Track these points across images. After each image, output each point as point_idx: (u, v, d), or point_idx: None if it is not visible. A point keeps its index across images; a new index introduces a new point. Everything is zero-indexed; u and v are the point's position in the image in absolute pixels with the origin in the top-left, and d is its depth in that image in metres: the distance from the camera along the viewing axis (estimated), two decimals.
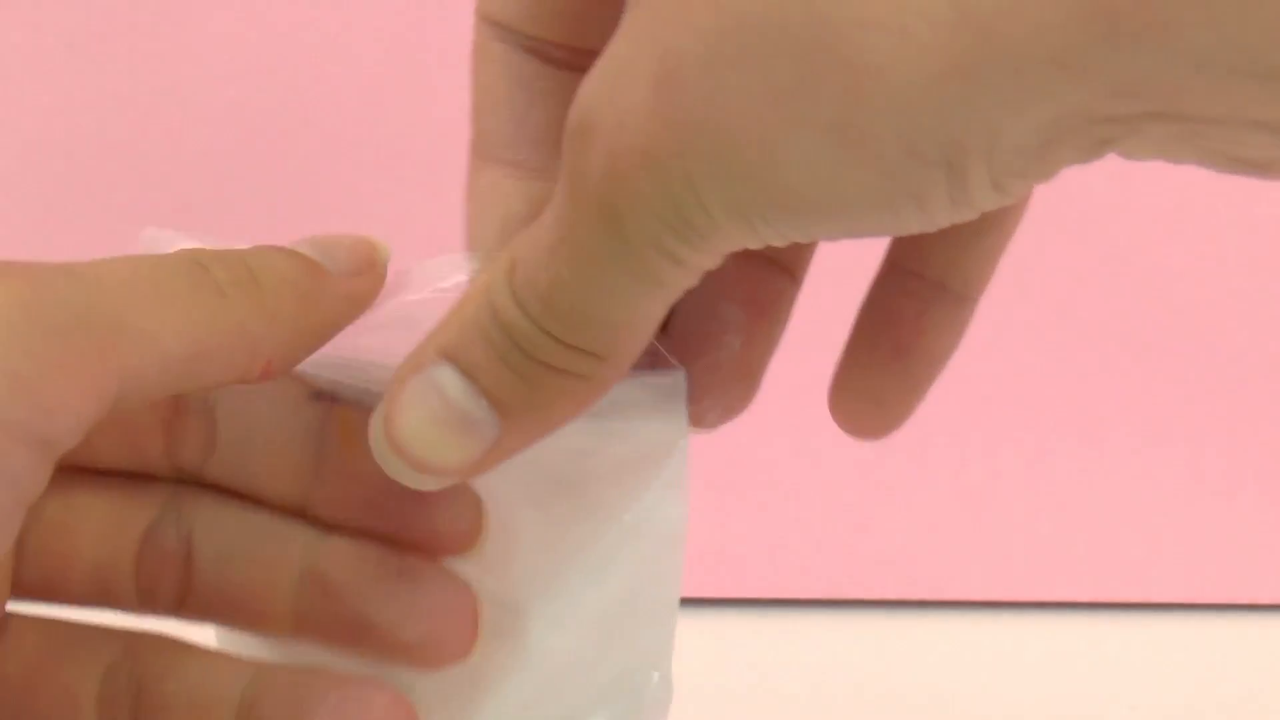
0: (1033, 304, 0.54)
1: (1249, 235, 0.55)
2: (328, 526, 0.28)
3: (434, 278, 0.26)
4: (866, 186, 0.20)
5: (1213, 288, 0.56)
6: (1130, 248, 0.55)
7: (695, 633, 0.28)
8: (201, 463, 0.28)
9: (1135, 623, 0.57)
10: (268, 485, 0.28)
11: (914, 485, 0.56)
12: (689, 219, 0.21)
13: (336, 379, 0.27)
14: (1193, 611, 0.57)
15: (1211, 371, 0.56)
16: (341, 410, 0.27)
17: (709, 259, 0.22)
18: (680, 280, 0.22)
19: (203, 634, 0.28)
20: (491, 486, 0.27)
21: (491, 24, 0.27)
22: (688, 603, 0.28)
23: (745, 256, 0.27)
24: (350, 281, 0.25)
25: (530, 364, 0.23)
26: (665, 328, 0.27)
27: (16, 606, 0.27)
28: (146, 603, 0.27)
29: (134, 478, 0.28)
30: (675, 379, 0.27)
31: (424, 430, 0.24)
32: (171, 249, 0.26)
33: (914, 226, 0.21)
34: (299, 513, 0.28)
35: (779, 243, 0.22)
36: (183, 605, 0.27)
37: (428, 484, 0.24)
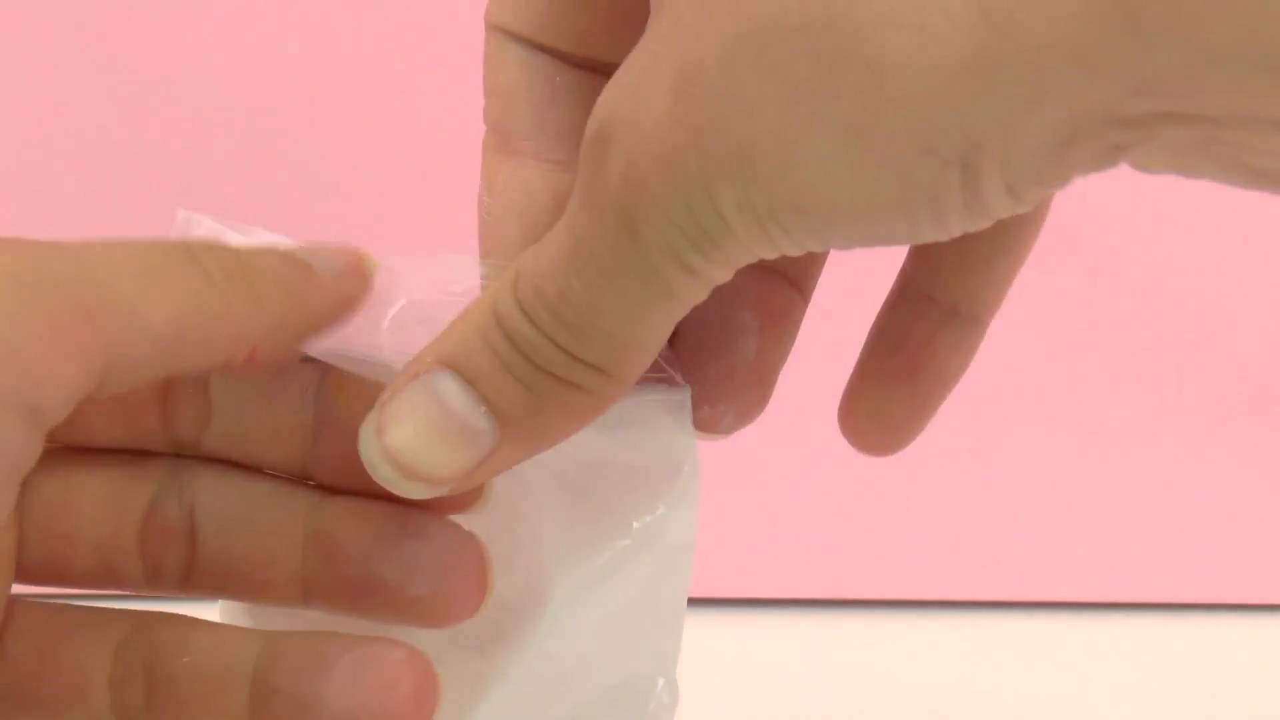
0: (1033, 304, 0.54)
1: (1247, 235, 0.55)
2: (330, 490, 0.28)
3: (445, 279, 0.26)
4: (882, 188, 0.20)
5: (1212, 287, 0.56)
6: (1130, 248, 0.55)
7: (695, 632, 0.28)
8: (199, 435, 0.27)
9: (1135, 623, 0.57)
10: (267, 453, 0.28)
11: (914, 485, 0.56)
12: (704, 225, 0.21)
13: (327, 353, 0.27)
14: (1193, 611, 0.57)
15: (1211, 371, 0.56)
16: (336, 372, 0.27)
17: (721, 270, 0.22)
18: (690, 293, 0.22)
19: (211, 613, 0.28)
20: (498, 490, 0.27)
21: (504, 32, 0.27)
22: (688, 602, 0.28)
23: (756, 271, 0.27)
24: (337, 282, 0.25)
25: (534, 373, 0.23)
26: (671, 342, 0.27)
27: (22, 591, 0.26)
28: (152, 580, 0.27)
29: (132, 455, 0.27)
30: (681, 396, 0.27)
31: (417, 436, 0.24)
32: (201, 232, 0.27)
33: (928, 233, 0.21)
34: (300, 478, 0.28)
35: (793, 251, 0.22)
36: (189, 580, 0.27)
37: (417, 492, 0.24)
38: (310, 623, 0.28)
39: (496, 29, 0.27)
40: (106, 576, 0.27)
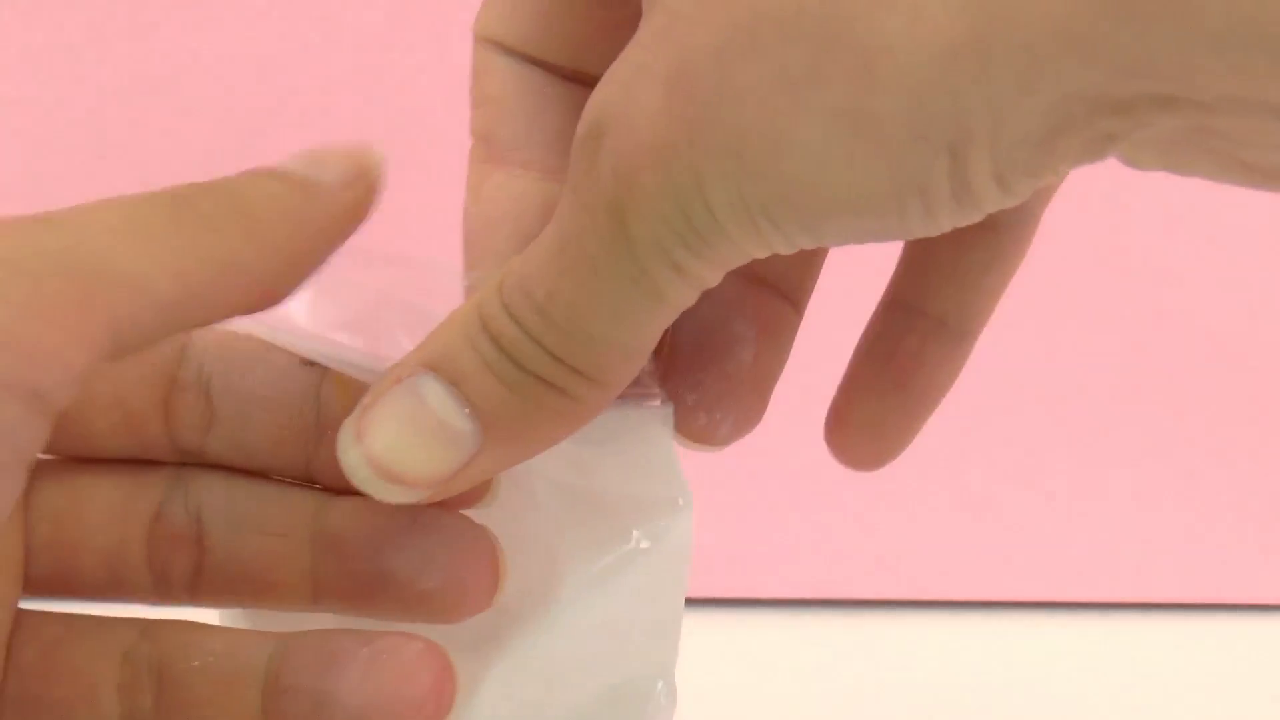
0: (1033, 305, 0.54)
1: (1247, 235, 0.55)
2: (335, 490, 0.27)
3: (435, 287, 0.26)
4: (872, 176, 0.20)
5: (1212, 287, 0.56)
6: (1129, 247, 0.55)
7: (695, 632, 0.28)
8: (202, 441, 0.27)
9: (1135, 623, 0.56)
10: (271, 455, 0.27)
11: (914, 486, 0.56)
12: (694, 220, 0.21)
13: (326, 358, 0.27)
14: (1193, 611, 0.57)
15: (1211, 371, 0.56)
16: (337, 373, 0.27)
17: (711, 271, 0.22)
18: (679, 295, 0.22)
19: (221, 621, 0.28)
20: (496, 491, 0.27)
21: (492, 43, 0.27)
22: (687, 602, 0.28)
23: (750, 283, 0.27)
24: (342, 194, 0.24)
25: (519, 375, 0.23)
26: (662, 351, 0.27)
27: (30, 605, 0.26)
28: (161, 588, 0.27)
29: (136, 464, 0.27)
30: (665, 411, 0.27)
31: (397, 437, 0.23)
32: None
33: (918, 226, 0.21)
34: (305, 479, 0.28)
35: (784, 249, 0.21)
36: (198, 587, 0.27)
37: (395, 495, 0.24)
38: (324, 624, 0.27)
39: (485, 41, 0.27)
40: (115, 586, 0.27)
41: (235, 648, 0.26)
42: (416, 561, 0.26)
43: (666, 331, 0.27)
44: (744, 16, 0.20)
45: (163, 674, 0.26)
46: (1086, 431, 0.56)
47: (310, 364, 0.27)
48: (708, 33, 0.20)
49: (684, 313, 0.27)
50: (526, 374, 0.23)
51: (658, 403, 0.27)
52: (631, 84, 0.21)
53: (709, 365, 0.27)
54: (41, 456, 0.22)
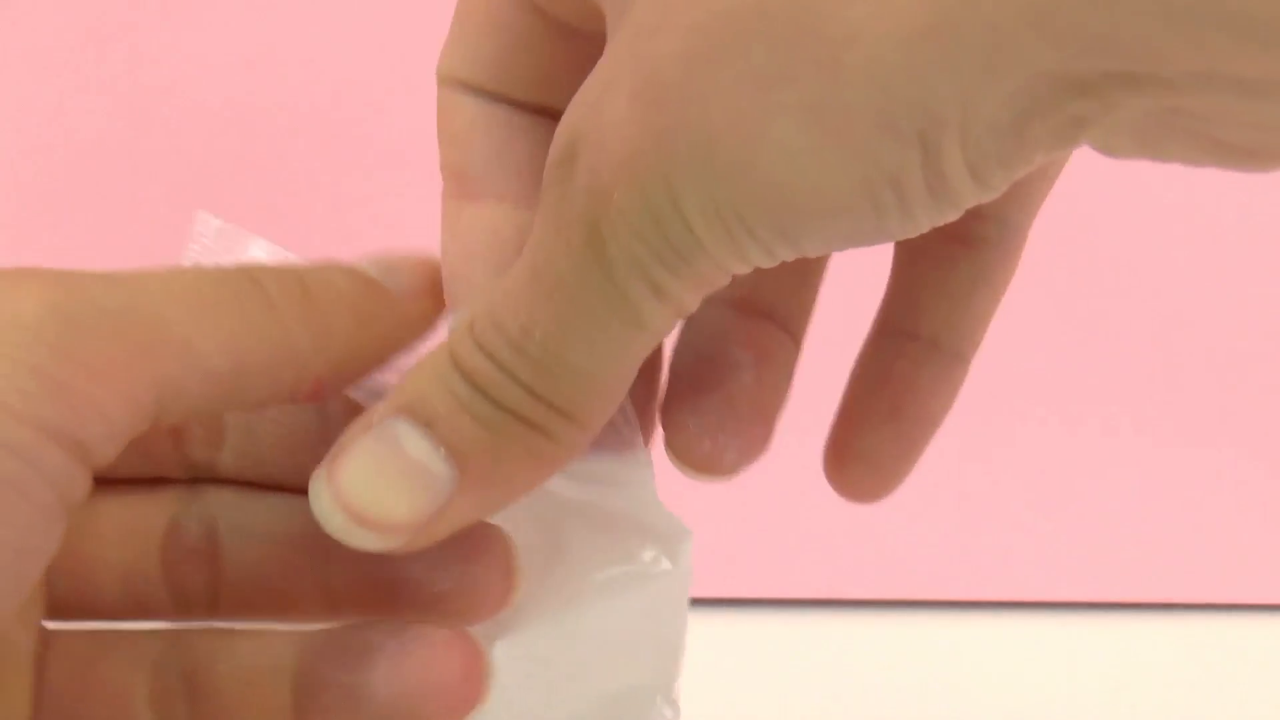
0: (1033, 305, 0.54)
1: (1246, 234, 0.55)
2: None
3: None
4: (844, 171, 0.20)
5: (1212, 288, 0.56)
6: (1130, 247, 0.55)
7: (696, 632, 0.28)
8: (213, 457, 0.27)
9: (1135, 623, 0.57)
10: (282, 469, 0.27)
11: (914, 486, 0.56)
12: (670, 235, 0.21)
13: None
14: (1193, 611, 0.57)
15: (1211, 371, 0.56)
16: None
17: (689, 291, 0.22)
18: (658, 319, 0.22)
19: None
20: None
21: (456, 83, 0.26)
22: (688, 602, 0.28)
23: (746, 314, 0.27)
24: (411, 303, 0.24)
25: (495, 412, 0.22)
26: (644, 390, 0.27)
27: (52, 627, 0.26)
28: (180, 605, 0.27)
29: (148, 482, 0.27)
30: (646, 456, 0.26)
31: (371, 480, 0.23)
32: (214, 232, 0.26)
33: (895, 224, 0.20)
34: None
35: (764, 260, 0.21)
36: (216, 603, 0.27)
37: (371, 542, 0.23)
38: None
39: (448, 81, 0.27)
40: (134, 606, 0.27)
41: (263, 649, 0.26)
42: (429, 564, 0.26)
43: (656, 367, 0.27)
44: (706, 19, 0.20)
45: (194, 681, 0.26)
46: (1087, 431, 0.56)
47: None
48: (672, 40, 0.20)
49: (681, 344, 0.27)
50: (502, 411, 0.22)
51: (639, 453, 0.26)
52: (600, 102, 0.21)
53: (709, 391, 0.26)
54: None
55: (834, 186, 0.20)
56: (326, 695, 0.25)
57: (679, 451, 0.26)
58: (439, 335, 0.26)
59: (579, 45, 0.25)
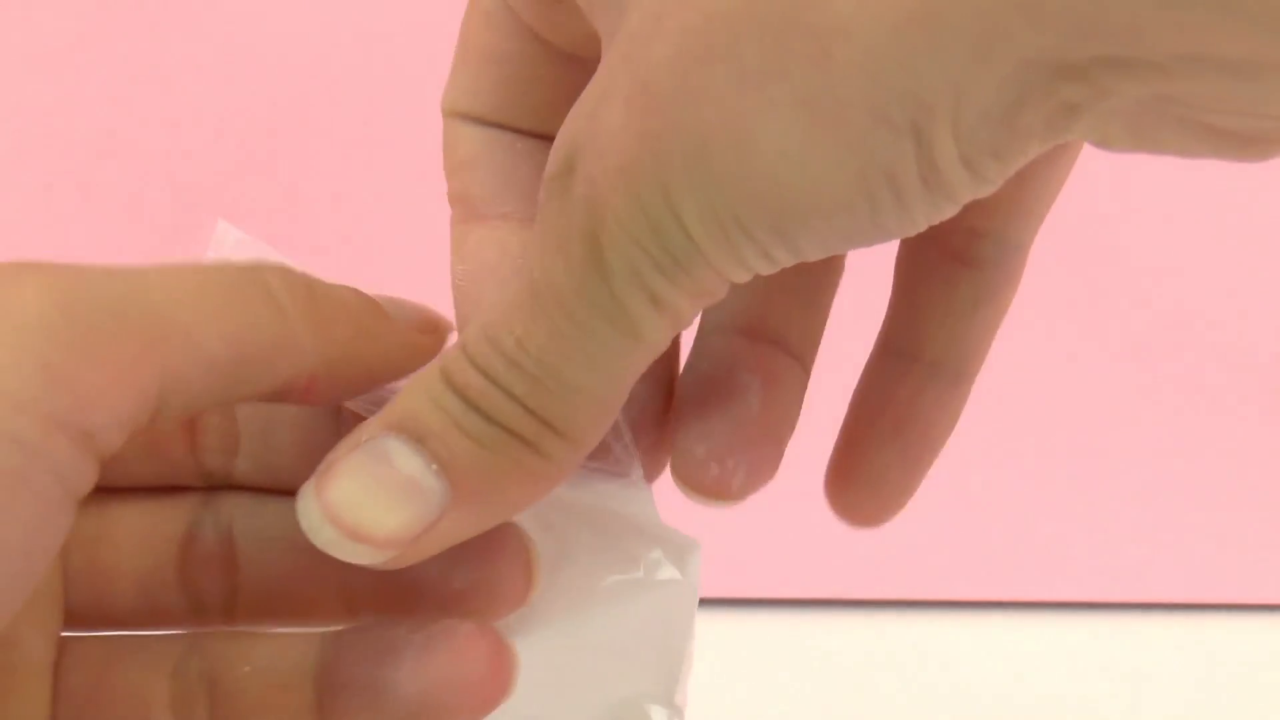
0: (1033, 305, 0.54)
1: (1244, 234, 0.55)
2: None
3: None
4: (838, 165, 0.19)
5: (1212, 288, 0.56)
6: (1130, 248, 0.55)
7: (696, 633, 0.28)
8: (228, 464, 0.27)
9: (1135, 623, 0.57)
10: (297, 475, 0.27)
11: None
12: (667, 240, 0.21)
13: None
14: (1193, 611, 0.57)
15: (1211, 371, 0.56)
16: None
17: (688, 301, 0.21)
18: (655, 332, 0.22)
19: None
20: None
21: (460, 115, 0.27)
22: None
23: (752, 340, 0.26)
24: (410, 332, 0.24)
25: (487, 428, 0.22)
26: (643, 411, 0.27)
27: (71, 634, 0.26)
28: (197, 612, 0.27)
29: (164, 489, 0.27)
30: (640, 483, 0.26)
31: (362, 493, 0.22)
32: (233, 242, 0.26)
33: (891, 221, 0.20)
34: None
35: (760, 263, 0.21)
36: (233, 608, 0.27)
37: (360, 555, 0.23)
38: None
39: (453, 114, 0.27)
40: (151, 613, 0.27)
41: (283, 649, 0.26)
42: (446, 562, 0.25)
43: (668, 392, 0.27)
44: (696, 21, 0.20)
45: (214, 684, 0.26)
46: (1086, 432, 0.57)
47: None
48: (665, 45, 0.20)
49: (688, 370, 0.27)
50: (494, 426, 0.22)
51: (637, 481, 0.26)
52: (597, 112, 0.21)
53: (717, 414, 0.26)
54: None
55: (829, 182, 0.20)
56: (350, 694, 0.25)
57: (686, 478, 0.26)
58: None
59: (580, 72, 0.25)
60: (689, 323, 0.22)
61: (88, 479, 0.21)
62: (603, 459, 0.26)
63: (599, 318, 0.21)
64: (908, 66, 0.19)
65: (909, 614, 0.56)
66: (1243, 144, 0.20)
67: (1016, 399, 0.56)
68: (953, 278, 0.27)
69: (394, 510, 0.22)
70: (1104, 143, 0.20)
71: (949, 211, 0.20)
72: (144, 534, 0.27)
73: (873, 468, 0.27)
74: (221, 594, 0.27)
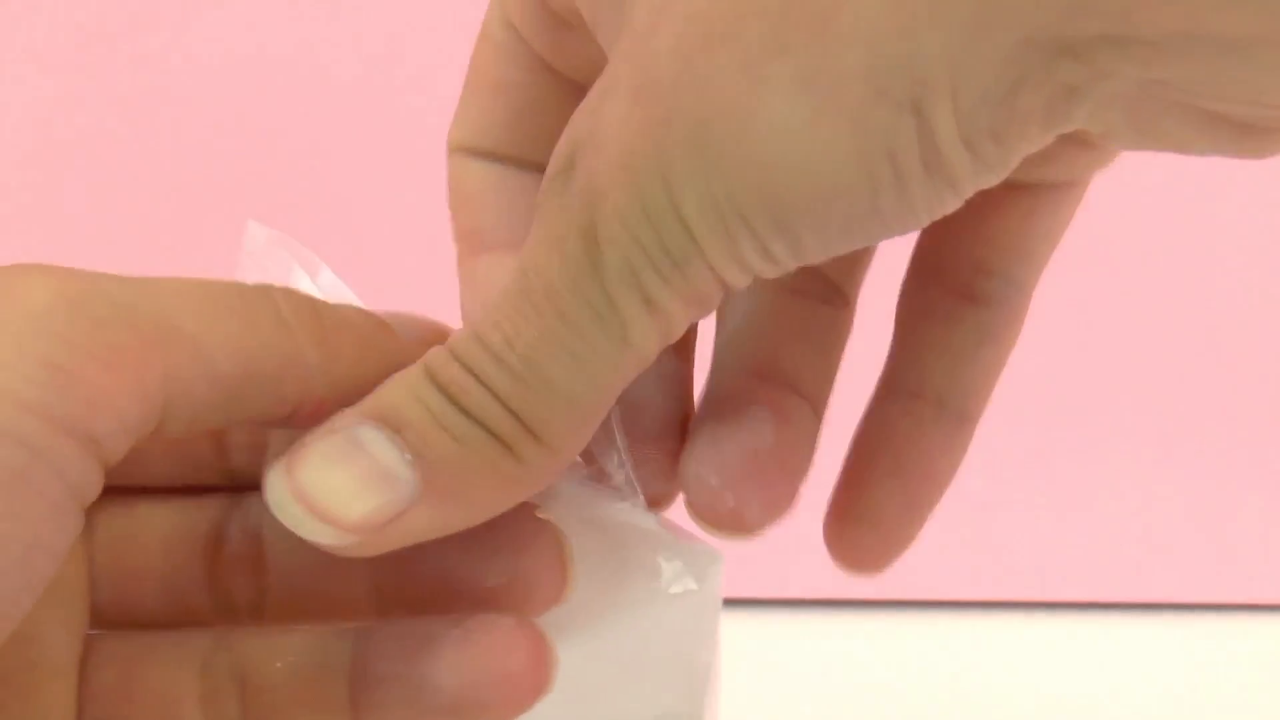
0: (1033, 306, 0.54)
1: (1243, 233, 0.55)
2: None
3: None
4: (838, 143, 0.19)
5: (1212, 288, 0.56)
6: (1130, 249, 0.55)
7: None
8: (255, 464, 0.27)
9: (1135, 623, 0.57)
10: None
11: None
12: (665, 236, 0.20)
13: None
14: (1193, 611, 0.57)
15: (1211, 371, 0.56)
16: None
17: (681, 305, 0.21)
18: (644, 337, 0.21)
19: None
20: None
21: (466, 151, 0.27)
22: None
23: (766, 380, 0.26)
24: (416, 347, 0.24)
25: (465, 423, 0.22)
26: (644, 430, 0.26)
27: (95, 634, 0.26)
28: (225, 612, 0.26)
29: (191, 490, 0.27)
30: (640, 508, 0.26)
31: (332, 474, 0.22)
32: (265, 241, 0.26)
33: (893, 207, 0.20)
34: None
35: (759, 260, 0.21)
36: (262, 608, 0.26)
37: (325, 536, 0.22)
38: None
39: (459, 150, 0.27)
40: (178, 612, 0.26)
41: (316, 644, 0.25)
42: (479, 558, 0.25)
43: (685, 418, 0.27)
44: (703, 6, 0.20)
45: (246, 680, 0.25)
46: (1087, 432, 0.57)
47: None
48: (668, 35, 0.20)
49: (702, 408, 0.27)
50: (473, 423, 0.22)
51: (631, 504, 0.26)
52: (599, 108, 0.21)
53: (730, 445, 0.26)
54: None
55: (829, 162, 0.20)
56: (386, 688, 0.25)
57: (701, 510, 0.26)
58: None
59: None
60: (678, 334, 0.22)
61: (93, 483, 0.21)
62: (606, 484, 0.26)
63: (590, 318, 0.21)
64: (906, 36, 0.19)
65: (909, 614, 0.56)
66: (1241, 135, 0.20)
67: (1016, 400, 0.56)
68: (956, 315, 0.27)
69: (363, 496, 0.22)
70: (1104, 132, 0.20)
71: (950, 203, 0.20)
72: (171, 534, 0.26)
73: (872, 507, 0.27)
74: (250, 594, 0.26)
